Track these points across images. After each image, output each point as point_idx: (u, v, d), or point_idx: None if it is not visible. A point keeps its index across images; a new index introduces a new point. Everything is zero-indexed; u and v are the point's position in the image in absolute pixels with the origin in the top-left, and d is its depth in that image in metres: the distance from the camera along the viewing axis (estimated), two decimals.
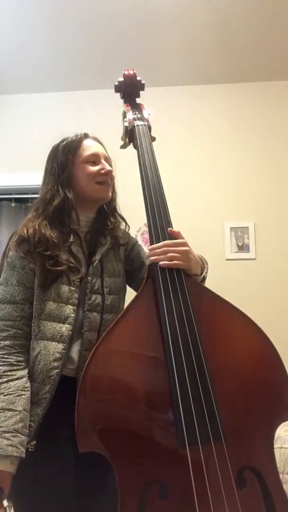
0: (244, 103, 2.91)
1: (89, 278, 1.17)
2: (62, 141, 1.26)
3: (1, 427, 0.99)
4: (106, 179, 1.22)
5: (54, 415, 1.06)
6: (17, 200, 3.22)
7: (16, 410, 1.01)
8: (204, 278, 1.16)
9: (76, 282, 1.15)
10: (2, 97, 3.05)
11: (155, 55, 2.67)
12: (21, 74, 2.87)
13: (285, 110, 2.88)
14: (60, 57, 2.70)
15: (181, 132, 2.89)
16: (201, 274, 1.14)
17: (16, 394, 1.03)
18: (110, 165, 1.26)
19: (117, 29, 2.46)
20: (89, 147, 1.24)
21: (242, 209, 2.81)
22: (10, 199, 3.21)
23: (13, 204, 3.23)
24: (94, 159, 1.22)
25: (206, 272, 1.17)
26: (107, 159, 1.26)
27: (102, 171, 1.21)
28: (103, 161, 1.23)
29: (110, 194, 1.25)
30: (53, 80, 2.92)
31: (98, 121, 2.71)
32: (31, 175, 2.87)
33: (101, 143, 1.29)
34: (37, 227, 1.16)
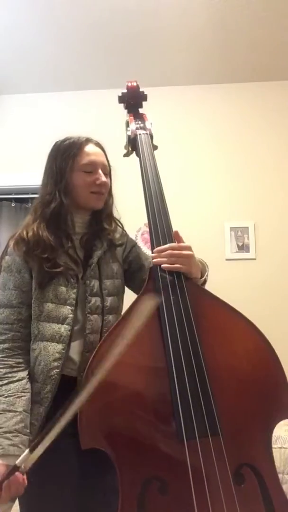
0: (244, 103, 2.91)
1: (87, 281, 1.18)
2: (64, 140, 1.25)
3: (2, 427, 1.02)
4: (100, 190, 1.23)
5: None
6: (17, 200, 3.22)
7: (17, 411, 1.04)
8: (204, 282, 1.17)
9: (73, 283, 1.16)
10: (2, 97, 3.05)
11: (155, 55, 2.67)
12: (21, 74, 2.87)
13: (285, 110, 2.88)
14: (60, 57, 2.70)
15: (181, 132, 2.89)
16: (202, 277, 1.15)
17: (16, 395, 1.06)
18: (108, 172, 1.26)
19: (118, 29, 2.46)
20: (88, 155, 1.22)
21: (242, 209, 2.81)
22: (10, 199, 3.21)
23: (13, 204, 3.24)
24: (91, 168, 1.22)
25: (207, 276, 1.17)
26: (105, 168, 1.25)
27: (97, 181, 1.21)
28: (99, 171, 1.22)
29: (102, 203, 1.26)
30: (53, 80, 2.92)
31: (98, 121, 2.72)
32: (31, 175, 2.88)
33: (102, 148, 1.29)
34: (35, 229, 1.18)
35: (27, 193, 3.06)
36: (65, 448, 1.07)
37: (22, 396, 1.06)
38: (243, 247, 2.78)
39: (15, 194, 3.11)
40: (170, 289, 1.03)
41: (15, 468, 0.90)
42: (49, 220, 1.20)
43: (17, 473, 0.91)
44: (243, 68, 2.80)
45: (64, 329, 1.11)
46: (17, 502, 1.12)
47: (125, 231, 1.37)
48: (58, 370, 1.09)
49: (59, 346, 1.10)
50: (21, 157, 2.92)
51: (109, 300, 1.20)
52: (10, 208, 3.27)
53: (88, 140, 1.26)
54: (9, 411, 1.03)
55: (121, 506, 0.88)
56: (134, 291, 1.31)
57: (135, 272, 1.33)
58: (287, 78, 2.88)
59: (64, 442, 1.06)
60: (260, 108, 2.90)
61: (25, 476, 0.93)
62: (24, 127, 3.00)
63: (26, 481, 0.93)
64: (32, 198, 3.16)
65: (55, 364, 1.09)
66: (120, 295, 1.27)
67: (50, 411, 1.07)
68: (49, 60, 2.73)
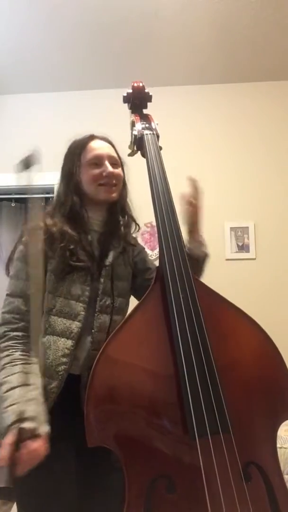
0: (244, 103, 2.92)
1: (102, 279, 1.19)
2: (74, 142, 1.28)
3: (25, 397, 0.97)
4: (108, 181, 1.22)
5: (57, 411, 1.07)
6: (17, 200, 3.22)
7: (38, 386, 1.02)
8: (203, 262, 1.25)
9: (88, 281, 1.16)
10: (2, 97, 3.05)
11: (155, 55, 2.67)
12: (21, 74, 2.87)
13: (285, 110, 2.89)
14: (61, 57, 2.70)
15: (181, 132, 2.89)
16: (202, 257, 1.21)
17: (37, 374, 1.04)
18: (118, 164, 1.26)
19: (118, 29, 2.46)
20: (93, 149, 1.24)
21: (242, 209, 2.81)
22: (10, 199, 3.21)
23: (13, 204, 3.23)
24: (97, 161, 1.23)
25: (204, 262, 1.25)
26: (112, 159, 1.25)
27: (104, 173, 1.21)
28: (106, 162, 1.22)
29: (115, 194, 1.25)
30: (53, 80, 2.92)
31: (98, 121, 2.71)
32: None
33: (109, 142, 1.29)
34: (57, 221, 1.19)
35: (27, 193, 3.05)
36: (64, 449, 1.07)
37: (40, 377, 1.05)
38: (243, 247, 2.78)
39: (15, 194, 3.11)
40: (179, 287, 1.03)
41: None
42: (67, 217, 1.21)
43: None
44: (244, 68, 2.80)
45: (75, 325, 1.12)
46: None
47: (138, 226, 1.37)
48: (66, 367, 1.08)
49: (69, 342, 1.10)
50: (21, 157, 2.91)
51: (118, 301, 1.21)
52: (10, 208, 3.27)
53: (92, 137, 1.27)
54: (31, 384, 1.00)
55: (127, 505, 0.88)
56: (134, 293, 1.32)
57: (139, 274, 1.34)
58: (287, 78, 2.88)
59: (63, 443, 1.06)
60: (260, 108, 2.91)
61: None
62: (24, 127, 3.00)
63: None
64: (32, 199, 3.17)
65: (64, 360, 1.09)
66: (127, 297, 1.29)
67: (54, 408, 1.05)
68: (49, 60, 2.73)
